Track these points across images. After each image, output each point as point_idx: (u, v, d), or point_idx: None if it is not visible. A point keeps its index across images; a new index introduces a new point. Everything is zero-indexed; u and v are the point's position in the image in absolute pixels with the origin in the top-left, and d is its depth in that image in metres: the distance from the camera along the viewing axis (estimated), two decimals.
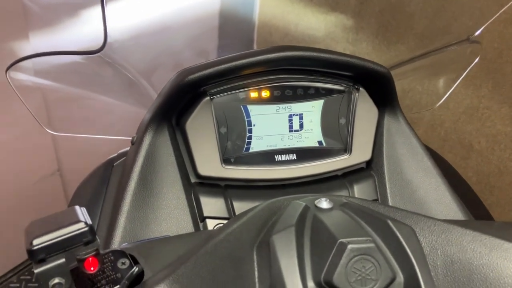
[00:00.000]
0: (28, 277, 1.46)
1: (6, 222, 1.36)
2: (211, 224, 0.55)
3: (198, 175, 0.58)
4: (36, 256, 0.29)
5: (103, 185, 0.61)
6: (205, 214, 0.55)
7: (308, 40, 1.84)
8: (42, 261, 0.29)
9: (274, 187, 0.60)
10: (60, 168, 1.45)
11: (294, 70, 0.59)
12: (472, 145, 1.43)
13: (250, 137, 0.59)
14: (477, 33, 0.69)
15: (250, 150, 0.59)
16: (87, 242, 0.30)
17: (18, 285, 1.43)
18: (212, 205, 0.56)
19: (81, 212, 0.32)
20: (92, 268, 0.31)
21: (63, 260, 0.29)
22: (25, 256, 1.45)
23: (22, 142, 1.29)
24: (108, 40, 0.64)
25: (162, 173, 0.56)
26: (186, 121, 0.56)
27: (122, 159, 0.64)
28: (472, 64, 0.73)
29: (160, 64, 0.97)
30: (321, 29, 1.82)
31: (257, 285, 0.38)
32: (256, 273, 0.38)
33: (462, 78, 0.86)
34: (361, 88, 0.60)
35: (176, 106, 0.57)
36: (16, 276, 1.45)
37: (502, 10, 0.71)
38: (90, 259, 0.31)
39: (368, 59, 0.57)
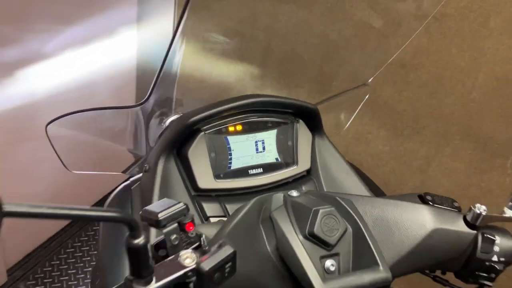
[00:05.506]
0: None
1: None
2: (213, 221, 0.77)
3: (197, 189, 0.79)
4: (162, 223, 0.42)
5: (127, 206, 0.79)
6: (208, 214, 0.77)
7: (221, 85, 2.07)
8: (164, 227, 0.47)
9: (250, 193, 0.83)
10: None
11: (256, 110, 0.85)
12: (362, 163, 1.60)
13: (231, 159, 0.82)
14: (370, 80, 1.03)
15: (232, 168, 0.82)
16: (186, 214, 0.50)
17: None
18: (211, 208, 0.78)
19: (174, 200, 0.52)
20: (191, 228, 0.48)
21: (176, 225, 0.48)
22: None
23: None
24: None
25: (173, 190, 0.76)
26: (187, 150, 0.78)
27: (137, 183, 0.83)
28: (364, 100, 1.06)
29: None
30: (232, 76, 2.07)
31: (266, 243, 0.54)
32: (264, 236, 0.54)
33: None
34: (300, 120, 0.88)
35: (178, 140, 0.79)
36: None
37: (388, 61, 1.04)
38: (188, 224, 0.51)
39: (303, 101, 0.86)
